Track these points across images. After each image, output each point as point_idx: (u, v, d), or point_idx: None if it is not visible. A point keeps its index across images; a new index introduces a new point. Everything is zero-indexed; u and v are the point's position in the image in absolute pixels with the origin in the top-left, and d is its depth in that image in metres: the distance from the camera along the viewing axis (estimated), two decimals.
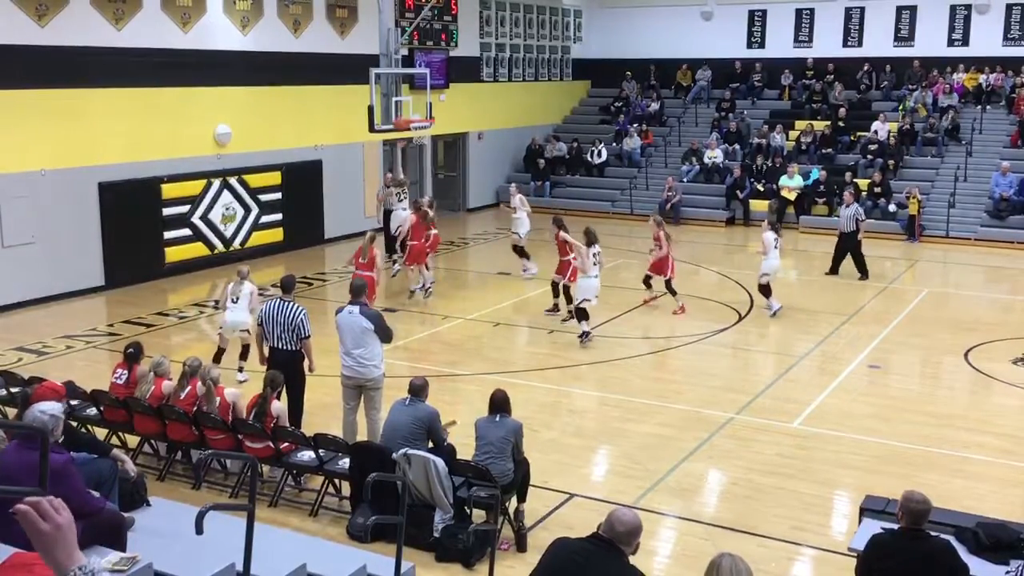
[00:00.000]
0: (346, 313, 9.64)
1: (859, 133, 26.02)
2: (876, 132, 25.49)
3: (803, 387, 12.28)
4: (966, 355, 13.40)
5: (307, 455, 8.85)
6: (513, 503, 8.22)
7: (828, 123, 26.67)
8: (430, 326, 15.17)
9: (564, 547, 4.68)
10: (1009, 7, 26.28)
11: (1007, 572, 5.82)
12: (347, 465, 8.54)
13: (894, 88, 27.38)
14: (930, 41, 27.21)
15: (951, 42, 27.08)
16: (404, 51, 21.20)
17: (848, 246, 18.27)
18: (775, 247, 15.56)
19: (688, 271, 19.35)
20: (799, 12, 28.84)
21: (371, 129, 18.72)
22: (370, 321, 9.50)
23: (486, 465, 7.95)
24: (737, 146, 26.89)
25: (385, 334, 9.64)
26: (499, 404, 8.30)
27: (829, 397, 11.91)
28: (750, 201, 25.06)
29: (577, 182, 27.50)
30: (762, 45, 29.45)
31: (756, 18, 29.46)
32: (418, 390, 8.47)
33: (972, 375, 12.82)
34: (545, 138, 28.95)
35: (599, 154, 27.78)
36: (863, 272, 18.11)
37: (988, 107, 25.95)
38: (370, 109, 18.48)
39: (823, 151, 25.81)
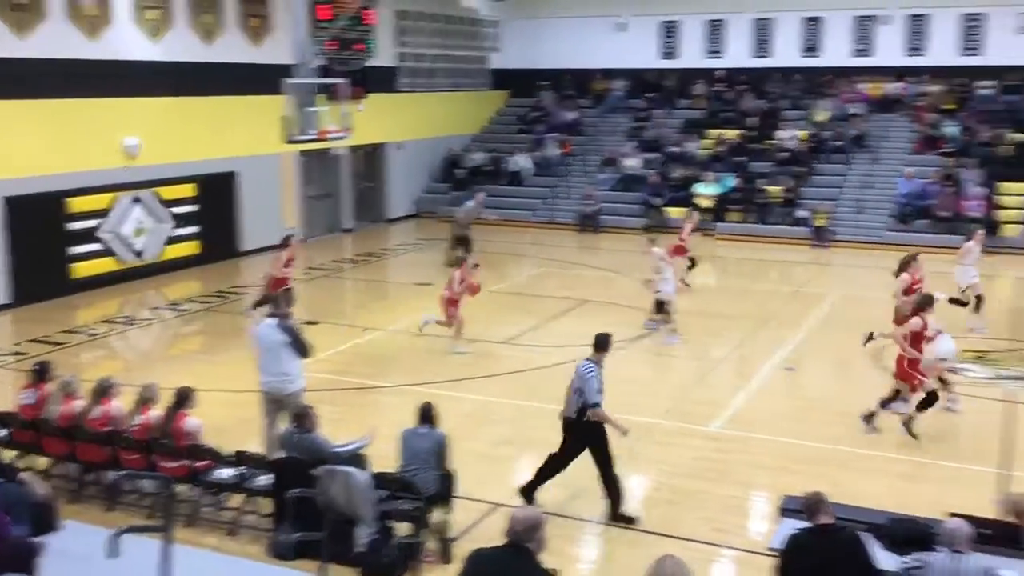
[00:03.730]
0: (263, 327, 9.47)
1: (769, 141, 26.69)
2: (786, 140, 26.19)
3: (721, 391, 12.51)
4: (875, 356, 13.79)
5: (226, 472, 8.66)
6: (438, 515, 8.18)
7: (740, 132, 27.30)
8: (351, 338, 15.01)
9: (478, 558, 5.04)
10: (911, 18, 27.26)
11: (903, 563, 5.99)
12: (267, 482, 8.39)
13: (803, 97, 28.14)
14: (836, 51, 28.07)
15: (856, 52, 27.98)
16: (320, 61, 21.01)
17: None
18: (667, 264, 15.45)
19: (608, 279, 19.57)
20: (711, 24, 29.45)
21: (286, 140, 18.47)
22: (286, 335, 9.35)
23: (411, 477, 7.90)
24: (654, 154, 27.31)
25: (301, 348, 9.50)
26: (426, 415, 8.25)
27: (746, 400, 12.16)
28: (667, 209, 25.47)
29: (497, 191, 27.59)
30: (675, 55, 30.00)
31: (669, 29, 29.99)
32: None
33: (882, 375, 13.20)
34: (463, 147, 28.98)
35: (520, 164, 27.92)
36: None
37: (892, 115, 26.87)
38: (284, 120, 18.22)
39: (736, 159, 26.39)
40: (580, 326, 15.71)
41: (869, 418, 10.84)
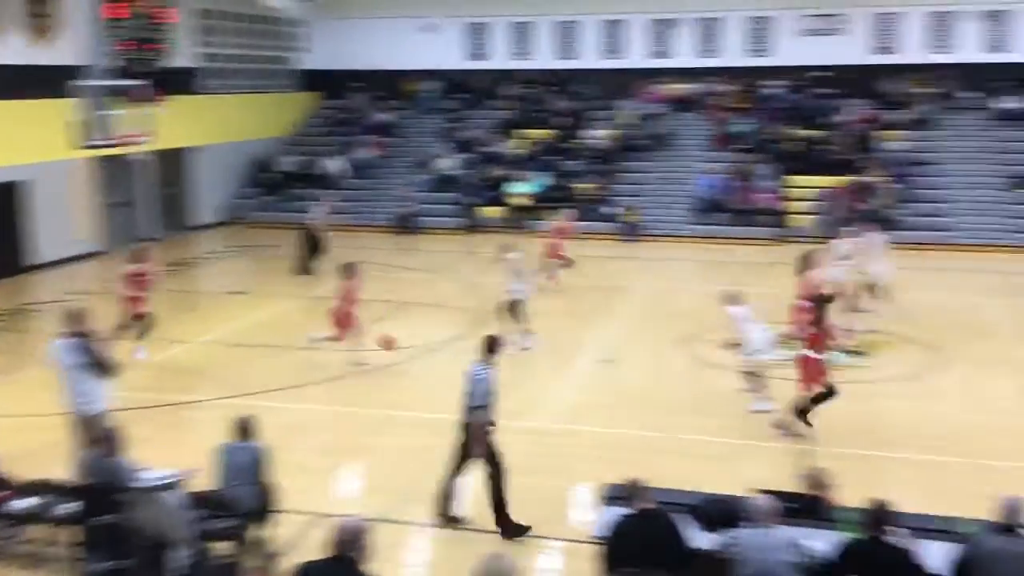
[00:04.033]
0: (59, 345, 8.87)
1: (579, 141, 27.43)
2: (595, 140, 27.03)
3: (541, 386, 12.73)
4: (683, 343, 14.43)
5: (26, 503, 8.04)
6: (259, 531, 7.89)
7: (551, 132, 27.93)
8: (160, 352, 14.29)
9: (305, 572, 5.11)
10: (703, 21, 28.66)
11: (717, 540, 6.30)
12: (73, 510, 7.84)
13: (608, 98, 29.09)
14: (636, 53, 29.19)
15: (654, 54, 29.19)
16: (115, 62, 19.91)
17: None
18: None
19: (427, 280, 19.56)
20: (518, 26, 29.98)
21: (77, 146, 17.37)
22: (84, 355, 8.79)
23: (229, 494, 7.58)
24: (469, 155, 27.51)
25: (102, 368, 8.94)
26: (243, 429, 7.94)
27: (566, 393, 12.43)
28: (483, 209, 25.73)
29: (312, 195, 26.98)
30: (484, 57, 30.35)
31: (477, 31, 30.31)
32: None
33: (690, 362, 13.84)
34: (273, 151, 28.22)
35: (334, 166, 27.46)
36: None
37: (690, 114, 28.21)
38: (74, 124, 17.12)
39: (548, 159, 26.98)
40: (401, 329, 15.63)
41: (783, 425, 10.66)
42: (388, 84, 30.45)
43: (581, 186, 25.77)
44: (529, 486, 9.39)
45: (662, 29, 29.04)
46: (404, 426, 11.15)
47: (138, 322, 13.75)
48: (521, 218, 25.21)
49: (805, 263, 12.70)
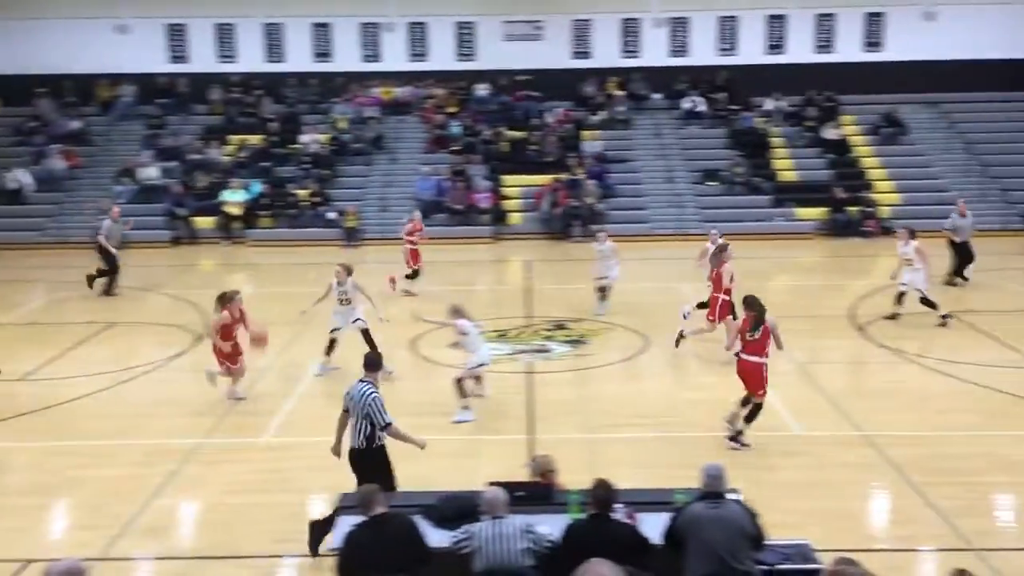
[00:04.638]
0: None
1: (292, 146, 26.86)
2: (309, 144, 26.58)
3: (270, 399, 12.32)
4: (409, 344, 14.51)
5: None
6: None
7: (262, 137, 27.14)
8: None
9: None
10: (412, 26, 28.98)
11: (452, 537, 6.40)
12: None
13: (320, 102, 28.70)
14: (347, 56, 28.99)
15: (365, 57, 29.15)
16: None
17: (966, 251, 18.16)
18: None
19: (137, 297, 18.40)
20: (220, 27, 28.82)
21: None
22: None
23: None
24: (175, 163, 26.12)
25: None
26: None
27: (295, 404, 12.12)
28: (194, 219, 24.55)
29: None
30: (185, 60, 28.94)
31: (176, 32, 28.82)
32: None
33: (419, 362, 13.95)
34: None
35: (18, 179, 25.09)
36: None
37: (404, 117, 28.45)
38: None
39: (261, 164, 26.20)
40: (110, 351, 14.61)
41: (735, 437, 10.31)
42: (78, 89, 28.21)
43: (298, 192, 25.26)
44: (263, 505, 9.08)
45: (372, 32, 29.05)
46: (119, 455, 10.37)
47: None
48: (235, 227, 24.33)
49: (718, 257, 13.57)
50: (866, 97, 27.97)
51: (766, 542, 6.31)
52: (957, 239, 18.03)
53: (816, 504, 8.88)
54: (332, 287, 13.28)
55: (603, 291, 16.22)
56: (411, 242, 18.43)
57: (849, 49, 28.51)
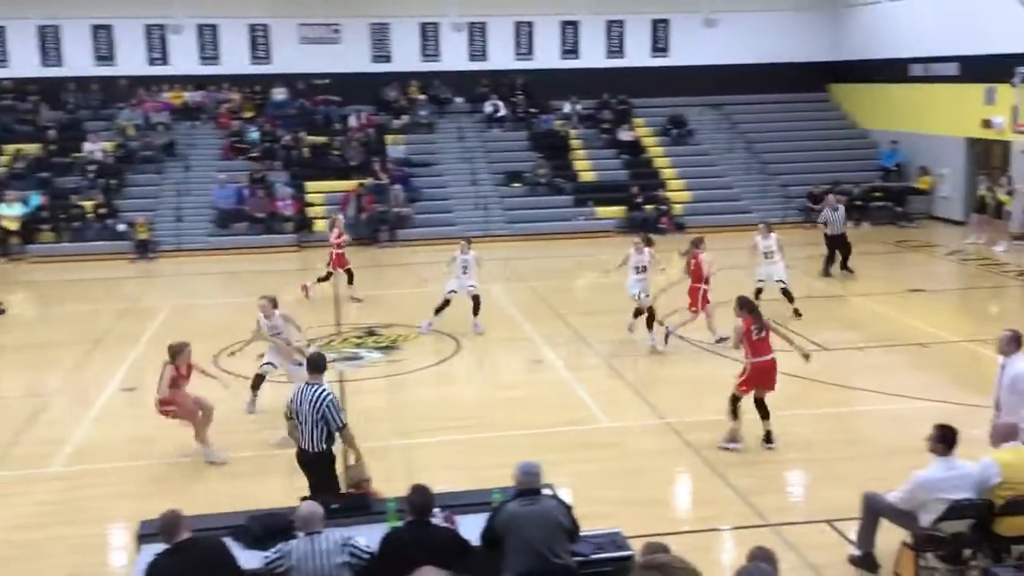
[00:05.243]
0: None
1: (75, 154, 25.25)
2: (92, 152, 25.07)
3: (61, 426, 11.50)
4: (212, 360, 13.89)
5: None
6: None
7: (40, 146, 25.38)
8: None
9: None
10: (201, 28, 27.86)
11: (265, 557, 6.18)
12: None
13: (104, 107, 27.10)
14: (131, 60, 27.46)
15: (152, 61, 27.77)
16: None
17: (839, 244, 18.86)
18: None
19: None
20: (42, 29, 26.72)
21: None
22: None
23: None
24: None
25: None
26: None
27: (89, 430, 11.37)
28: None
29: None
30: None
31: None
32: None
33: (228, 378, 13.36)
34: None
35: None
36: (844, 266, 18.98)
37: (197, 123, 27.31)
38: None
39: (40, 175, 24.49)
40: None
41: (768, 438, 10.27)
42: None
43: (83, 203, 23.75)
44: (56, 538, 8.47)
45: (158, 34, 27.70)
46: None
47: None
48: (13, 243, 22.63)
49: (693, 247, 14.27)
50: (655, 100, 29.25)
51: (581, 534, 6.46)
52: (830, 232, 18.94)
53: (626, 493, 9.19)
54: (260, 324, 11.64)
55: (476, 299, 15.39)
56: (338, 246, 17.81)
57: (638, 54, 29.72)
